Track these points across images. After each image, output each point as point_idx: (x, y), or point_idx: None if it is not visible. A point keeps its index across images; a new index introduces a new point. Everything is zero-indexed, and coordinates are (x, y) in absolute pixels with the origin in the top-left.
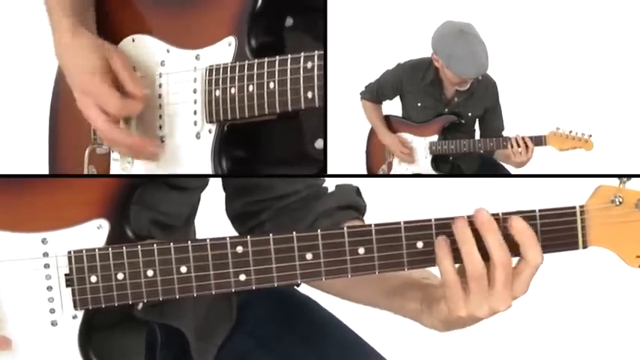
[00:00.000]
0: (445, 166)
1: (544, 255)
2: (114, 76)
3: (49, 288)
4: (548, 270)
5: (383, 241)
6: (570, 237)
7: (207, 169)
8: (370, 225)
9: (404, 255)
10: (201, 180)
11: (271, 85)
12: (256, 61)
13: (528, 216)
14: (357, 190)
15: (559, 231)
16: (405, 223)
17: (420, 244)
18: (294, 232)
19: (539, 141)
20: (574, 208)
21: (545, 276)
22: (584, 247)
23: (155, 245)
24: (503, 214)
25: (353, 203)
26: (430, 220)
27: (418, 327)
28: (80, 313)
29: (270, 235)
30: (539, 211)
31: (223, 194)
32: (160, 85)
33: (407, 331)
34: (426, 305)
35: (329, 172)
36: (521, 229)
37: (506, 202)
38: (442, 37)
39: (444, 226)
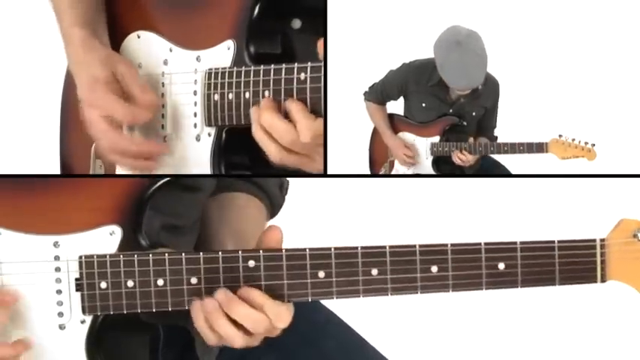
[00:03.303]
0: (446, 166)
1: (562, 286)
2: (120, 86)
3: (59, 291)
4: (565, 302)
5: (397, 263)
6: (589, 270)
7: (207, 171)
8: (385, 247)
9: (418, 279)
10: (211, 181)
11: (266, 93)
12: (252, 68)
13: (547, 247)
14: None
15: (578, 263)
16: (420, 246)
17: (434, 269)
18: (307, 249)
19: (540, 148)
20: (594, 241)
21: (561, 307)
22: (603, 281)
23: (166, 255)
24: (521, 243)
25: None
26: (446, 245)
27: (418, 326)
28: (88, 318)
29: (283, 250)
30: (558, 242)
31: None
32: (163, 85)
33: (407, 331)
34: None
35: (329, 172)
36: None
37: (506, 202)
38: (440, 44)
39: (460, 252)
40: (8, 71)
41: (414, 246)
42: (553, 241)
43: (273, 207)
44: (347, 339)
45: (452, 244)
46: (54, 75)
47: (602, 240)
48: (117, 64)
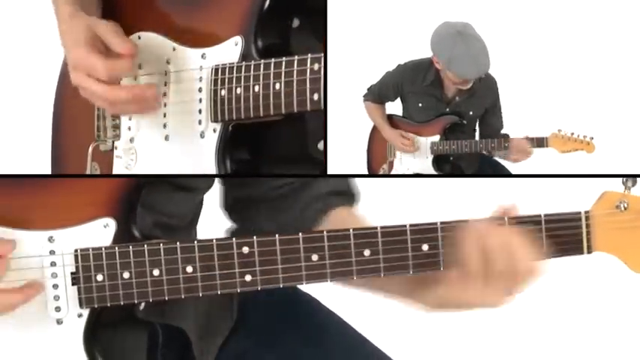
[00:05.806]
0: (446, 166)
1: (550, 260)
2: (103, 45)
3: (55, 286)
4: (552, 274)
5: (388, 243)
6: (575, 242)
7: (211, 168)
8: (376, 227)
9: (409, 257)
10: (207, 181)
11: (277, 85)
12: (263, 61)
13: (534, 220)
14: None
15: (564, 236)
16: (410, 225)
17: (425, 247)
18: (300, 234)
19: (540, 142)
20: (579, 213)
21: (548, 280)
22: (589, 252)
23: (161, 245)
24: (509, 219)
25: (344, 189)
26: (436, 223)
27: (421, 325)
28: (85, 312)
29: (276, 235)
30: (545, 215)
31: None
32: (166, 84)
33: (410, 330)
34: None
35: (329, 172)
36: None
37: (505, 203)
38: (440, 39)
39: (450, 229)
40: (2, 71)
41: (405, 226)
42: (539, 215)
43: (357, 202)
44: (348, 338)
45: (441, 222)
46: (47, 76)
47: (587, 212)
48: (98, 26)
